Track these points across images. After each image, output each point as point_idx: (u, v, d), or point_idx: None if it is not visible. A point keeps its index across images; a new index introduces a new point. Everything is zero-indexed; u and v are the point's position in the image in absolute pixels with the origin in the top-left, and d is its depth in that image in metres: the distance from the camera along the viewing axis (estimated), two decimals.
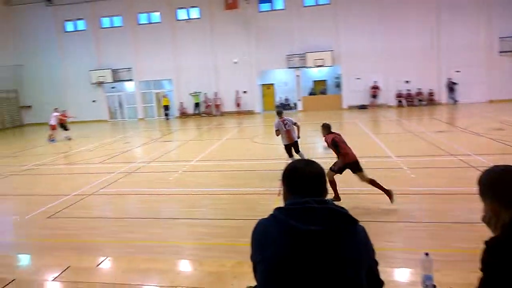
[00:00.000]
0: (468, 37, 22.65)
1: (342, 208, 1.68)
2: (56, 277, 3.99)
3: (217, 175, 10.13)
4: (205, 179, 9.90)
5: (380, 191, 6.80)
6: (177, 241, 6.10)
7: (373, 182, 6.88)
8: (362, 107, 24.39)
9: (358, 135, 15.02)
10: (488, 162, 8.92)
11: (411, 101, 24.03)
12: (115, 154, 14.28)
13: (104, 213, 7.91)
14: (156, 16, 26.80)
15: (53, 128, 18.73)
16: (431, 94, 23.83)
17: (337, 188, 7.08)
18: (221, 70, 26.11)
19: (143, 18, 27.04)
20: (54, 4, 26.88)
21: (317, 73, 26.50)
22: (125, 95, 28.46)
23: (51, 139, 18.56)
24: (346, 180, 8.40)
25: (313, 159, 1.89)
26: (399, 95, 24.27)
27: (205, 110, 26.68)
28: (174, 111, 27.40)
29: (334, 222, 1.62)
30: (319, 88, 27.19)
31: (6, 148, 18.06)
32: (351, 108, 24.80)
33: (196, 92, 26.54)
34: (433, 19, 22.91)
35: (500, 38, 22.53)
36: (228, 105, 26.50)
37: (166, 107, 26.91)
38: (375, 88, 24.33)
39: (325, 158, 10.84)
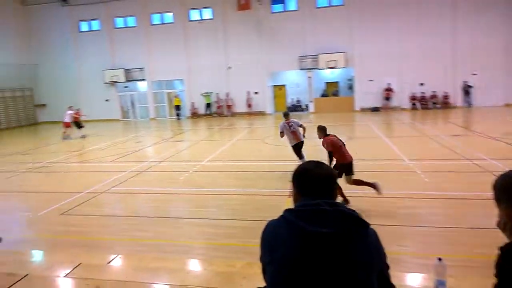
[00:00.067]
0: (484, 39, 22.28)
1: (354, 211, 1.67)
2: (68, 273, 4.02)
3: (227, 176, 10.13)
4: (216, 179, 9.91)
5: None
6: (186, 240, 6.11)
7: (357, 182, 6.96)
8: (375, 110, 24.17)
9: (370, 138, 14.91)
10: (504, 167, 8.75)
11: (426, 104, 23.71)
12: (126, 153, 14.40)
13: (116, 211, 7.98)
14: (169, 16, 26.97)
15: (67, 125, 19.08)
16: (446, 97, 23.49)
17: (343, 191, 7.00)
18: (233, 71, 26.14)
19: (156, 19, 27.24)
20: (69, 4, 27.24)
21: (330, 75, 26.36)
22: (138, 94, 28.70)
23: (65, 137, 18.89)
24: None
25: (323, 161, 1.87)
26: (413, 98, 23.97)
27: (216, 111, 26.75)
28: (186, 111, 27.53)
29: (346, 225, 1.61)
30: (331, 90, 27.04)
31: (21, 145, 18.34)
32: (363, 110, 24.61)
33: (207, 93, 26.63)
34: (450, 20, 22.59)
35: None
36: (240, 106, 26.52)
37: (178, 107, 27.05)
38: (389, 90, 24.09)
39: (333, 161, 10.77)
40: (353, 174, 7.04)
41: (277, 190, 8.20)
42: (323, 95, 26.75)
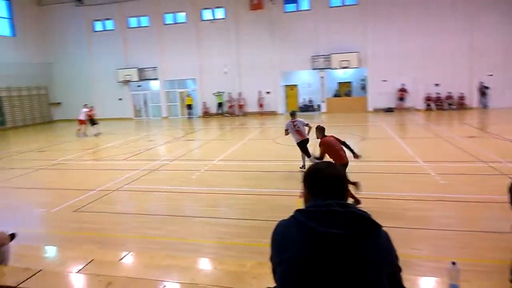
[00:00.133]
0: (501, 39, 21.87)
1: (365, 212, 1.66)
2: (80, 269, 4.07)
3: (238, 175, 10.14)
4: (227, 178, 9.93)
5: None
6: (197, 239, 6.14)
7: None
8: (388, 110, 23.93)
9: (383, 139, 14.78)
10: None
11: (441, 104, 23.35)
12: (139, 151, 14.52)
13: (128, 209, 8.05)
14: (181, 16, 27.10)
15: (82, 123, 19.44)
16: (461, 98, 23.12)
17: (352, 192, 6.92)
18: (245, 71, 26.16)
19: (169, 18, 27.40)
20: (84, 4, 27.56)
21: (342, 75, 26.18)
22: (150, 93, 28.91)
23: (80, 134, 19.28)
24: (372, 186, 8.27)
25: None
26: (428, 98, 23.64)
27: (228, 110, 26.80)
28: (197, 111, 27.64)
29: (357, 226, 1.60)
30: (343, 90, 26.85)
31: (36, 143, 18.64)
32: (376, 111, 24.38)
33: (219, 92, 26.69)
34: (466, 19, 22.21)
35: None
36: (251, 106, 26.52)
37: (189, 106, 27.19)
38: (403, 90, 23.82)
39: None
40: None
41: (288, 190, 8.18)
42: (336, 95, 26.57)
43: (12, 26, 27.00)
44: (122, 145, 16.28)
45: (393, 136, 15.09)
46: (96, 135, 19.51)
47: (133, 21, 27.97)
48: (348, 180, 6.74)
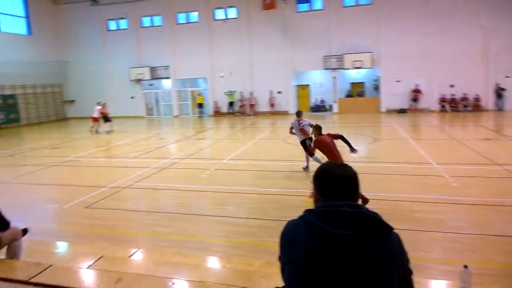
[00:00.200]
0: None
1: (376, 213, 1.64)
2: (91, 265, 4.11)
3: (248, 174, 10.13)
4: (237, 177, 9.93)
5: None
6: (206, 237, 6.16)
7: None
8: (402, 111, 23.65)
9: (396, 140, 14.63)
10: None
11: (455, 106, 22.97)
12: (150, 149, 14.62)
13: (138, 206, 8.10)
14: (194, 15, 27.21)
15: (95, 120, 19.73)
16: (477, 99, 22.72)
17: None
18: (256, 70, 26.15)
19: (181, 18, 27.53)
20: (99, 3, 27.87)
21: (355, 75, 25.98)
22: (162, 92, 29.09)
23: (93, 131, 19.65)
24: (384, 187, 8.21)
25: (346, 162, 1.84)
26: (442, 100, 23.28)
27: (239, 110, 26.82)
28: (209, 110, 27.73)
29: (366, 227, 1.58)
30: (356, 90, 26.65)
31: (50, 140, 18.91)
32: (389, 111, 24.14)
33: (230, 91, 26.73)
34: (482, 20, 21.83)
35: None
36: (263, 105, 26.49)
37: (200, 105, 27.28)
38: (417, 91, 23.52)
39: (360, 162, 10.62)
40: None
41: (297, 190, 8.15)
42: (348, 96, 26.38)
43: (28, 25, 27.42)
44: (134, 143, 16.41)
45: (406, 138, 14.91)
46: (109, 132, 19.78)
47: (146, 21, 28.19)
48: None
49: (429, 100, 23.47)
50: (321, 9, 24.73)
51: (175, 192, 8.69)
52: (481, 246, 5.37)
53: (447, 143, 13.58)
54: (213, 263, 4.95)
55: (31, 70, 26.51)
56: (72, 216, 7.41)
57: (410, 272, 1.74)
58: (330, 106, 26.17)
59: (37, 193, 9.40)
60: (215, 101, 27.29)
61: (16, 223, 4.39)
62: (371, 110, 24.37)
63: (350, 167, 1.79)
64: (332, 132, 7.88)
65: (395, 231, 1.66)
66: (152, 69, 27.90)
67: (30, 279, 3.39)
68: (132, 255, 4.98)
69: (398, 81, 23.70)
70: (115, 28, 28.85)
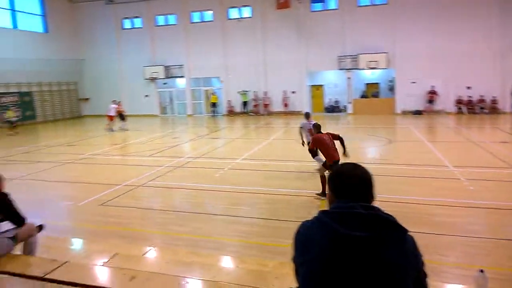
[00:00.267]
0: None
1: (391, 216, 1.63)
2: (105, 262, 4.13)
3: (262, 175, 10.10)
4: (250, 177, 9.91)
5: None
6: (220, 237, 6.15)
7: (323, 179, 7.53)
8: (417, 113, 23.32)
9: (412, 142, 14.43)
10: None
11: (472, 108, 22.54)
12: (164, 148, 14.70)
13: (152, 204, 8.14)
14: (208, 14, 27.29)
15: (111, 119, 19.94)
16: (494, 101, 22.27)
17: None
18: (270, 70, 26.09)
19: (196, 17, 27.64)
20: (114, 2, 28.16)
21: (370, 76, 25.71)
22: (176, 91, 29.25)
23: (108, 129, 19.90)
24: (399, 189, 8.10)
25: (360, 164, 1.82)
26: (459, 101, 22.88)
27: (253, 109, 26.80)
28: (222, 109, 27.78)
29: (381, 229, 1.58)
30: (371, 91, 26.37)
31: (65, 137, 19.18)
32: (405, 113, 23.84)
33: (244, 91, 26.74)
34: (500, 20, 21.40)
35: None
36: (277, 105, 26.42)
37: (214, 104, 27.34)
38: (433, 93, 23.16)
39: (375, 164, 10.50)
40: None
41: (311, 191, 8.09)
42: (363, 96, 26.11)
43: (45, 23, 27.86)
44: (148, 142, 16.53)
45: (422, 140, 14.70)
46: (123, 130, 19.98)
47: (160, 19, 28.37)
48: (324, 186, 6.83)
49: (445, 102, 23.09)
50: (336, 9, 24.54)
51: (189, 191, 8.71)
52: (499, 251, 5.29)
53: (463, 146, 13.35)
54: (226, 262, 4.94)
55: (47, 68, 26.91)
56: (86, 213, 7.49)
57: (425, 275, 1.72)
58: (345, 106, 25.96)
59: (52, 190, 9.53)
60: (229, 101, 27.32)
61: (32, 220, 4.44)
62: (386, 111, 24.10)
63: (365, 168, 1.79)
64: (333, 132, 8.16)
65: (410, 233, 1.65)
66: (166, 68, 28.07)
67: (45, 275, 3.42)
68: (146, 253, 5.00)
69: (414, 82, 23.38)
70: (129, 27, 29.12)
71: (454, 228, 6.08)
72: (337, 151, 7.59)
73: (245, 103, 26.84)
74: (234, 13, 26.70)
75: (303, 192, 8.17)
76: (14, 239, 4.10)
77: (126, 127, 20.37)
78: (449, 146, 13.34)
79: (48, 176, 10.82)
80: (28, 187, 9.68)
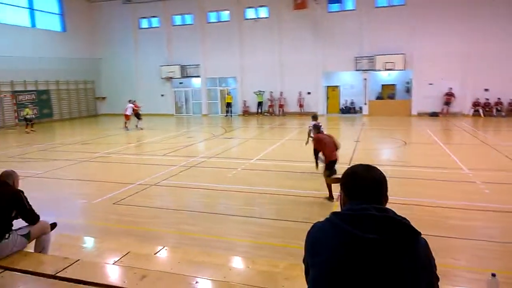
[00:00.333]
0: None
1: (404, 218, 1.60)
2: (116, 261, 4.16)
3: (275, 175, 10.07)
4: (263, 178, 9.89)
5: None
6: (231, 237, 6.14)
7: (328, 183, 7.55)
8: (434, 115, 22.98)
9: (428, 144, 14.21)
10: None
11: (490, 111, 22.10)
12: (178, 147, 14.79)
13: (165, 203, 8.18)
14: (225, 14, 27.38)
15: (127, 118, 20.24)
16: (511, 104, 21.81)
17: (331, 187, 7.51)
18: (286, 70, 26.03)
19: (212, 17, 27.77)
20: (131, 2, 28.49)
21: (386, 77, 25.42)
22: (192, 91, 29.43)
23: (125, 128, 20.28)
24: (414, 192, 7.97)
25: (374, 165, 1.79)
26: (476, 104, 22.46)
27: (268, 110, 26.77)
28: (237, 109, 27.83)
29: (394, 232, 1.54)
30: (387, 93, 26.07)
31: (81, 136, 19.48)
32: (421, 115, 23.50)
33: (260, 91, 26.72)
34: None
35: None
36: (292, 106, 26.34)
37: (229, 104, 27.42)
38: (450, 95, 22.77)
39: (389, 166, 10.36)
40: (332, 172, 7.61)
41: (324, 192, 8.01)
42: (379, 98, 25.84)
43: (63, 22, 28.35)
44: (162, 141, 16.65)
45: (437, 142, 14.45)
46: (138, 128, 20.22)
47: (177, 19, 28.59)
48: (337, 177, 6.70)
49: (462, 104, 22.70)
50: (353, 9, 24.35)
51: (202, 191, 8.73)
52: (507, 255, 5.23)
53: (479, 148, 13.10)
54: (237, 263, 4.92)
55: (65, 67, 27.37)
56: (100, 211, 7.56)
57: (437, 279, 1.69)
58: (360, 108, 25.72)
59: (67, 188, 9.66)
60: (244, 101, 27.35)
61: (45, 217, 4.49)
62: (402, 113, 23.79)
63: (378, 169, 1.76)
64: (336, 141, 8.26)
65: (423, 236, 1.62)
66: (183, 68, 28.27)
67: (57, 273, 3.46)
68: (157, 252, 5.02)
69: (431, 84, 23.04)
70: (146, 26, 29.42)
71: (468, 232, 6.01)
72: (335, 152, 7.83)
73: (260, 104, 26.82)
74: (250, 13, 26.73)
75: (315, 193, 8.10)
76: (27, 237, 4.15)
77: (142, 126, 20.59)
78: (465, 149, 13.11)
79: (63, 174, 10.97)
80: (43, 184, 9.83)
